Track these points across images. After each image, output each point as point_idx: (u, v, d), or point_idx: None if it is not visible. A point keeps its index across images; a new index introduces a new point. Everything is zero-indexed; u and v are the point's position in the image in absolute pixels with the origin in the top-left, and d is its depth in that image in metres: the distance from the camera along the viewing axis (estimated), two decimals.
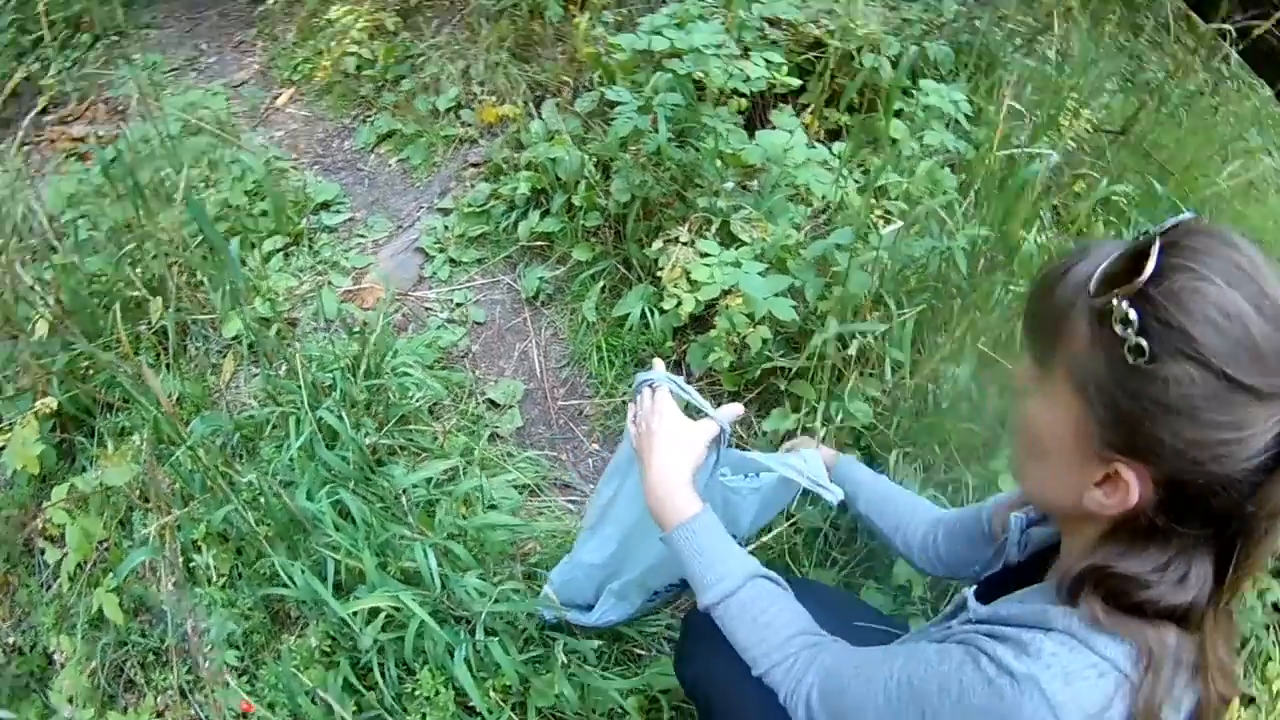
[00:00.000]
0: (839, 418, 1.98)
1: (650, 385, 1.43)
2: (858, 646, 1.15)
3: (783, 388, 2.14)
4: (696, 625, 1.46)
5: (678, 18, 2.35)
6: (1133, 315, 0.76)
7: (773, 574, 1.25)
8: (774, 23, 2.61)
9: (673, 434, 1.34)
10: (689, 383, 1.49)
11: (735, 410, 1.44)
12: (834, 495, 1.45)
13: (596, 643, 1.80)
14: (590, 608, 1.71)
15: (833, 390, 2.04)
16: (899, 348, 1.97)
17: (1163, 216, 2.32)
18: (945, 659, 0.90)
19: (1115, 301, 0.78)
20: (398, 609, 1.69)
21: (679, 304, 2.21)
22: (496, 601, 1.73)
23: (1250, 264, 0.76)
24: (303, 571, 1.72)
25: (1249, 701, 1.92)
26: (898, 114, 2.22)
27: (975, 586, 1.00)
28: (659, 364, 1.47)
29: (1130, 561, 0.83)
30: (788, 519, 1.98)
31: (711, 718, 1.41)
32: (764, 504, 1.57)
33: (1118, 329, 0.77)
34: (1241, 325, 0.73)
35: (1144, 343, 0.75)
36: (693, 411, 1.42)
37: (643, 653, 1.89)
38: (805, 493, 1.51)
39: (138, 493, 1.96)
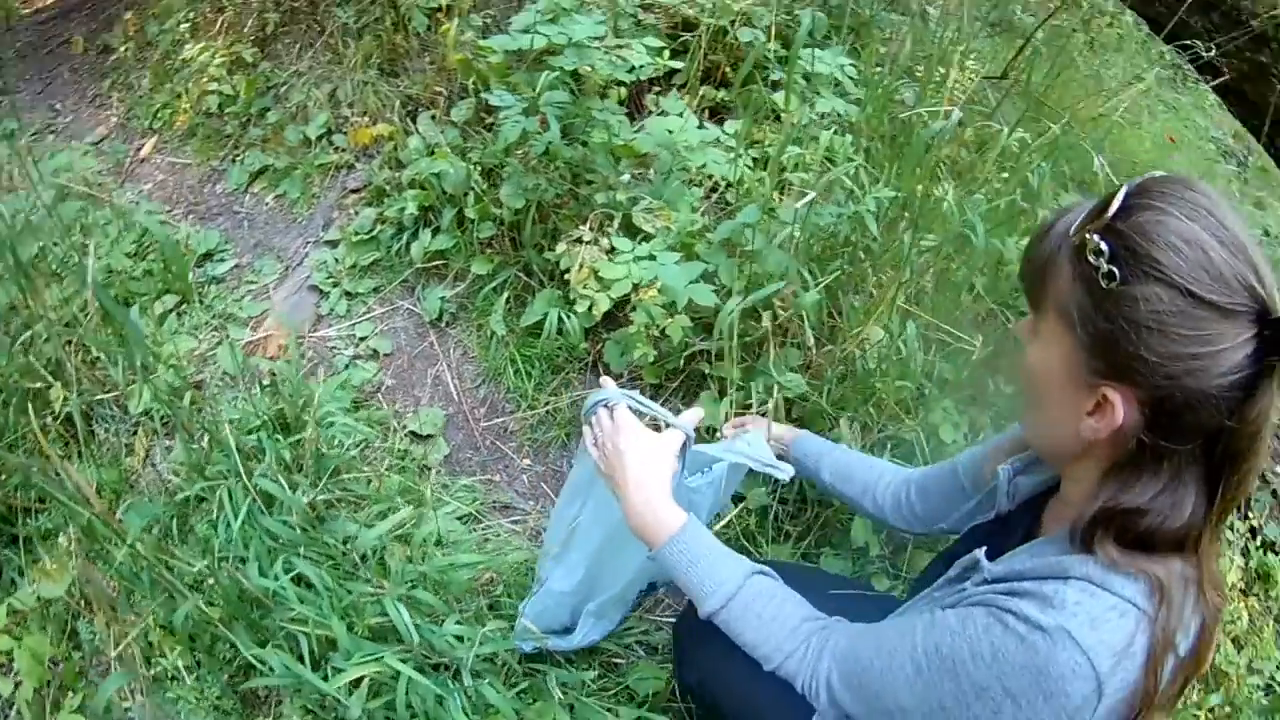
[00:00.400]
0: (769, 391, 1.98)
1: (606, 404, 1.41)
2: (856, 621, 1.19)
3: (706, 371, 2.14)
4: (691, 629, 1.46)
5: (549, 13, 2.30)
6: (1103, 246, 0.88)
7: (764, 567, 1.27)
8: (646, 7, 2.59)
9: (643, 452, 1.34)
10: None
11: (697, 415, 1.45)
12: (784, 473, 1.46)
13: (592, 673, 1.79)
14: (568, 630, 1.70)
15: (756, 367, 2.06)
16: (818, 295, 1.98)
17: (1062, 160, 2.41)
18: (969, 624, 0.94)
19: (1088, 236, 0.89)
20: (378, 671, 1.65)
21: (591, 305, 2.18)
22: (480, 644, 1.71)
23: (1209, 202, 0.87)
24: (276, 653, 1.66)
25: None
26: (777, 84, 2.23)
27: (985, 547, 1.05)
28: (609, 381, 1.46)
29: (1130, 494, 0.92)
30: (736, 501, 1.99)
31: (721, 718, 1.41)
32: (717, 493, 1.58)
33: (1091, 259, 0.89)
34: (1201, 250, 0.84)
35: (1115, 269, 0.87)
36: (649, 423, 1.42)
37: (620, 661, 1.88)
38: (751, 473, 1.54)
39: (78, 598, 1.86)
